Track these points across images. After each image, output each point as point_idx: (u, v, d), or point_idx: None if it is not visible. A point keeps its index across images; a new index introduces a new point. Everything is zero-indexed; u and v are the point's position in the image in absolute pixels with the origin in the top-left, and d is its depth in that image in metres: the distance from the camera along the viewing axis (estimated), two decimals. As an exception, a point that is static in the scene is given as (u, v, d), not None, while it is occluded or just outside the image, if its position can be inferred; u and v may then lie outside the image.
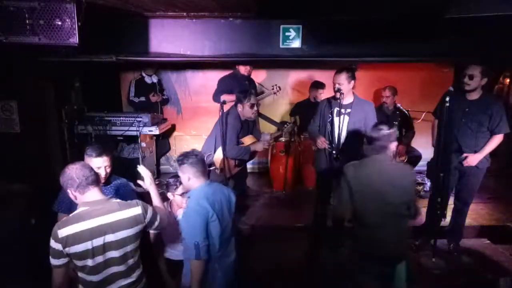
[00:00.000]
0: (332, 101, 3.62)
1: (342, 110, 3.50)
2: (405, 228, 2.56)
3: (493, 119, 3.41)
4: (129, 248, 2.12)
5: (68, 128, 4.68)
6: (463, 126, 3.50)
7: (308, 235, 4.05)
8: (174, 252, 2.96)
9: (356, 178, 2.44)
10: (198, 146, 6.16)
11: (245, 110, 3.76)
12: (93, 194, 2.08)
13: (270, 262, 3.73)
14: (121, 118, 4.86)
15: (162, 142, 5.85)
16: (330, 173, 3.56)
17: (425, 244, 3.83)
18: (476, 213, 4.45)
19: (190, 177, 2.40)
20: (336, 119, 3.54)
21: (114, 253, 2.07)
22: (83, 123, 4.77)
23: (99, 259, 2.03)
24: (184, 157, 2.40)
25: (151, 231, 2.28)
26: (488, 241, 4.10)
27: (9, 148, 3.93)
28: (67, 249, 1.99)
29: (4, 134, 4.16)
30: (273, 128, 5.69)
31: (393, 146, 2.51)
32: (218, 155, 3.79)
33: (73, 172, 2.04)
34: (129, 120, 4.84)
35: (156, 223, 2.27)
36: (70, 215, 2.07)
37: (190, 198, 2.41)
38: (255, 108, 3.79)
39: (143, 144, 4.97)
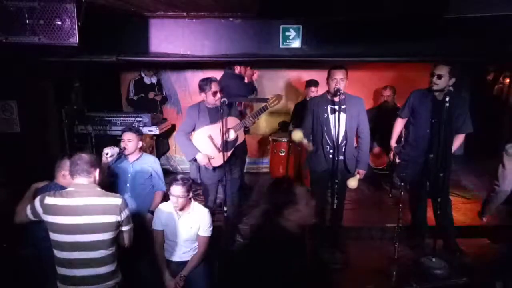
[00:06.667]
0: (324, 99, 3.50)
1: (336, 107, 3.36)
2: None
3: (458, 118, 3.45)
4: (99, 236, 2.18)
5: (68, 128, 4.69)
6: (432, 126, 3.48)
7: (310, 235, 4.03)
8: (174, 253, 2.97)
9: None
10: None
11: (209, 98, 3.55)
12: (81, 180, 2.24)
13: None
14: (121, 118, 4.87)
15: (162, 142, 5.85)
16: (328, 172, 3.49)
17: (419, 244, 3.82)
18: (476, 213, 4.44)
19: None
20: (331, 117, 3.45)
21: (81, 237, 2.15)
22: (83, 123, 4.77)
23: (67, 237, 2.15)
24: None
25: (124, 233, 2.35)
26: (488, 241, 4.09)
27: (9, 148, 3.92)
28: (45, 216, 2.17)
29: (4, 134, 4.16)
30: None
31: None
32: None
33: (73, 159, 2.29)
34: (129, 120, 4.84)
35: (129, 226, 2.35)
36: (59, 191, 2.26)
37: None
38: (218, 95, 3.56)
39: (143, 144, 4.96)
